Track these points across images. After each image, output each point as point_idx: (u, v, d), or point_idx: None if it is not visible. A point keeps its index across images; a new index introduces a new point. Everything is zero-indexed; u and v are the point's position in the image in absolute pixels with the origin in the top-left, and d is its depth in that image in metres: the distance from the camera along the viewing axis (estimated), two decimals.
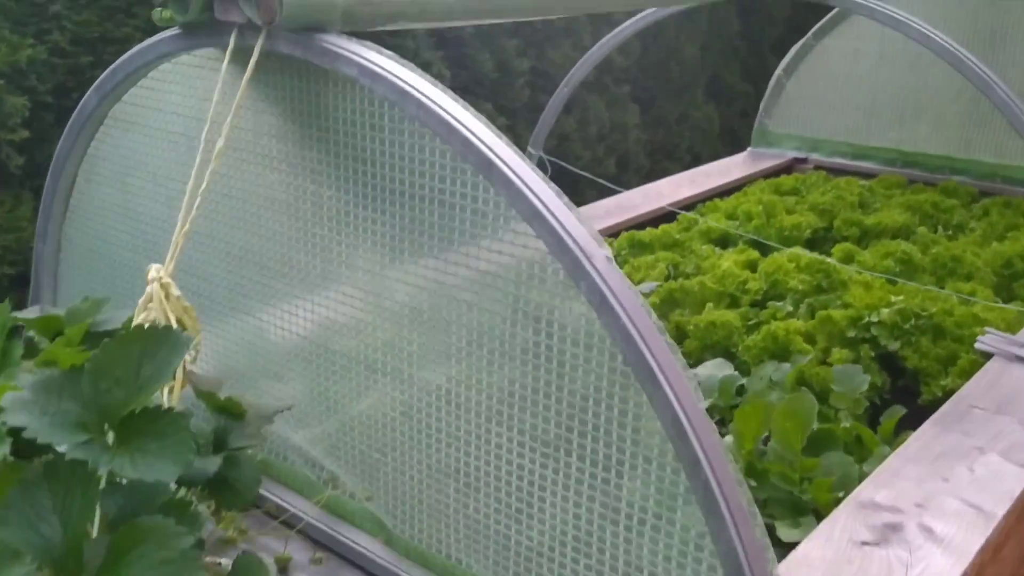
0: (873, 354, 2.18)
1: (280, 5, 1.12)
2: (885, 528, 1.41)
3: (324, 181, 1.24)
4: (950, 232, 2.99)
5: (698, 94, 5.72)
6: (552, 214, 0.97)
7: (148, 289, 1.14)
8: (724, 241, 2.94)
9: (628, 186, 3.55)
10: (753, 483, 1.61)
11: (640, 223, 3.04)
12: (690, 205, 3.30)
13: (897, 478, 1.55)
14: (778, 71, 3.85)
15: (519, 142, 4.26)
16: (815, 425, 1.67)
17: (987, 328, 2.10)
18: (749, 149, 4.00)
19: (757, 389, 1.91)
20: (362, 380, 1.26)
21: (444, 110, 1.05)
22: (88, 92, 1.56)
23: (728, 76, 6.00)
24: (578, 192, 4.52)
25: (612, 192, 3.20)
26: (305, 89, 1.23)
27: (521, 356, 1.05)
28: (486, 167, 1.01)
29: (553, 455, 1.06)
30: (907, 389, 2.22)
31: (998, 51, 3.30)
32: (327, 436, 1.33)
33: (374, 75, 1.09)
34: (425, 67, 3.82)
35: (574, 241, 0.95)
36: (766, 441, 1.70)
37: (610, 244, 2.78)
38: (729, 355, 2.27)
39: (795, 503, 1.58)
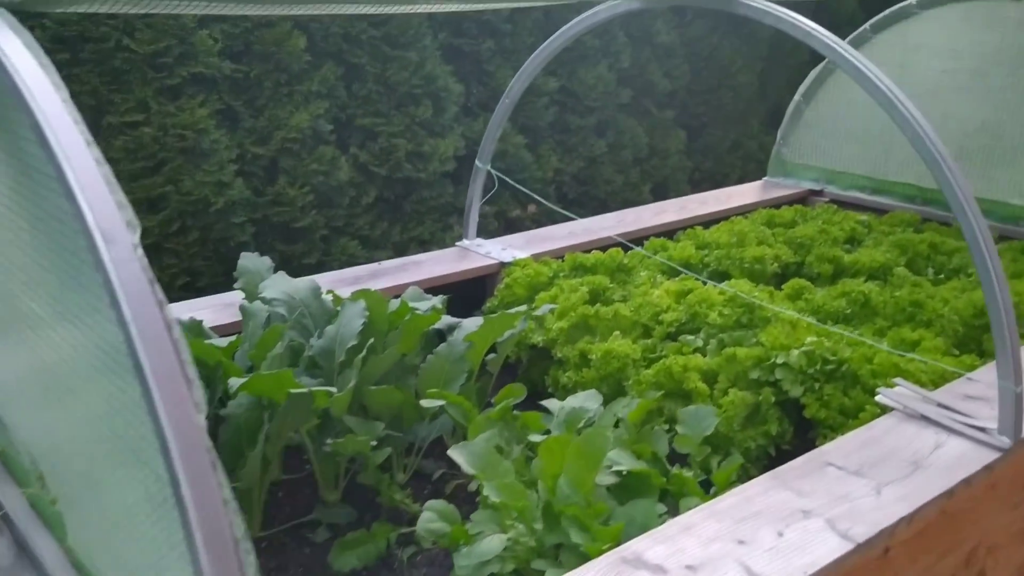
0: (775, 399, 1.97)
1: None
2: None
3: None
4: (941, 276, 2.70)
5: (754, 123, 5.46)
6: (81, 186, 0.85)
7: None
8: (686, 271, 2.74)
9: None
10: (539, 527, 1.45)
11: (602, 247, 2.88)
12: (670, 232, 3.12)
13: (686, 534, 1.36)
14: (797, 96, 3.61)
15: (541, 162, 4.15)
16: (625, 468, 1.50)
17: (898, 380, 1.86)
18: (764, 179, 3.76)
19: (603, 424, 1.74)
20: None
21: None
22: None
23: None
24: (546, 214, 4.37)
25: (567, 217, 3.07)
26: None
27: None
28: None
29: None
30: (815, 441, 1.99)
31: None
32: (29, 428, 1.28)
33: None
34: (430, 80, 3.78)
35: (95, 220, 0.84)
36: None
37: (553, 265, 2.64)
38: (622, 389, 2.10)
39: (580, 552, 1.41)
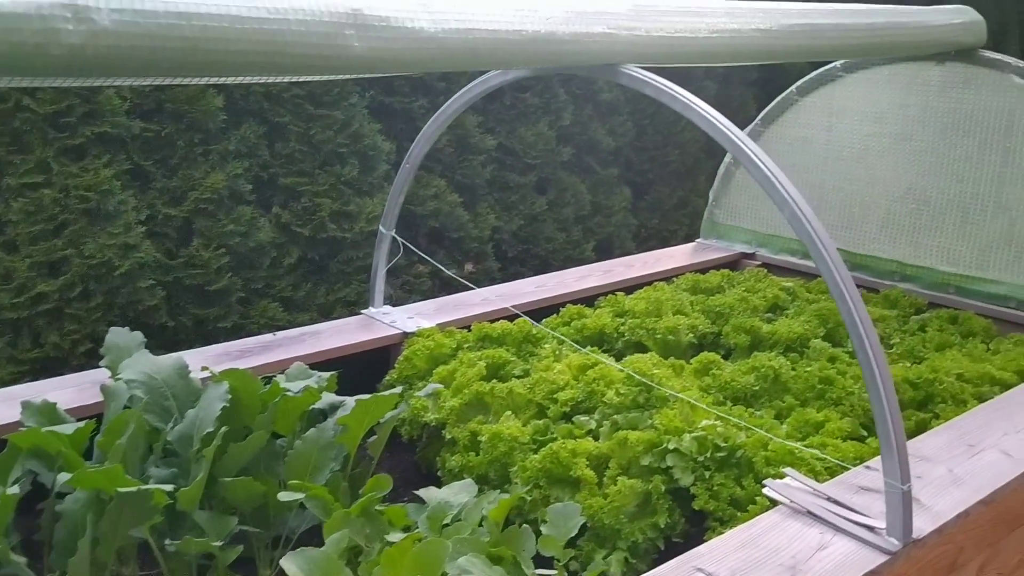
0: (666, 488, 1.85)
1: None
2: None
3: None
4: None
5: (701, 180, 5.41)
6: None
7: None
8: (601, 341, 2.64)
9: None
10: None
11: (514, 316, 2.77)
12: (593, 297, 3.02)
13: None
14: (727, 158, 3.55)
15: (478, 220, 4.07)
16: None
17: (787, 470, 1.74)
18: (697, 241, 3.68)
19: (469, 521, 1.61)
20: None
21: None
22: None
23: None
24: (485, 273, 4.29)
25: (466, 287, 2.97)
26: None
27: None
28: None
29: None
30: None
31: (950, 144, 2.93)
32: None
33: None
34: (356, 138, 3.70)
35: None
36: None
37: (458, 336, 2.53)
38: (509, 475, 1.98)
39: None
